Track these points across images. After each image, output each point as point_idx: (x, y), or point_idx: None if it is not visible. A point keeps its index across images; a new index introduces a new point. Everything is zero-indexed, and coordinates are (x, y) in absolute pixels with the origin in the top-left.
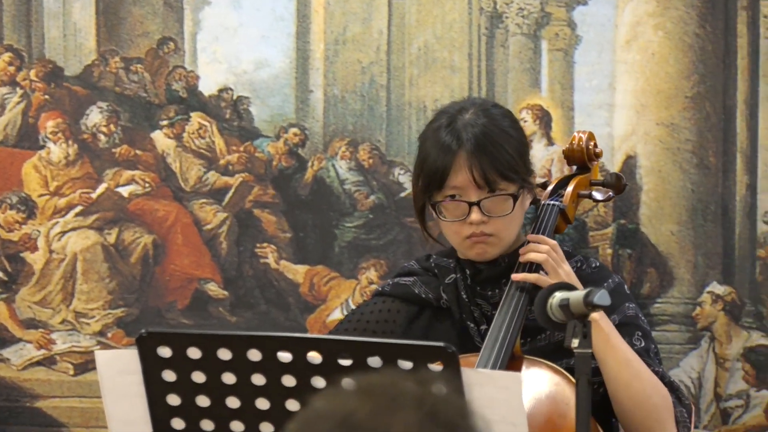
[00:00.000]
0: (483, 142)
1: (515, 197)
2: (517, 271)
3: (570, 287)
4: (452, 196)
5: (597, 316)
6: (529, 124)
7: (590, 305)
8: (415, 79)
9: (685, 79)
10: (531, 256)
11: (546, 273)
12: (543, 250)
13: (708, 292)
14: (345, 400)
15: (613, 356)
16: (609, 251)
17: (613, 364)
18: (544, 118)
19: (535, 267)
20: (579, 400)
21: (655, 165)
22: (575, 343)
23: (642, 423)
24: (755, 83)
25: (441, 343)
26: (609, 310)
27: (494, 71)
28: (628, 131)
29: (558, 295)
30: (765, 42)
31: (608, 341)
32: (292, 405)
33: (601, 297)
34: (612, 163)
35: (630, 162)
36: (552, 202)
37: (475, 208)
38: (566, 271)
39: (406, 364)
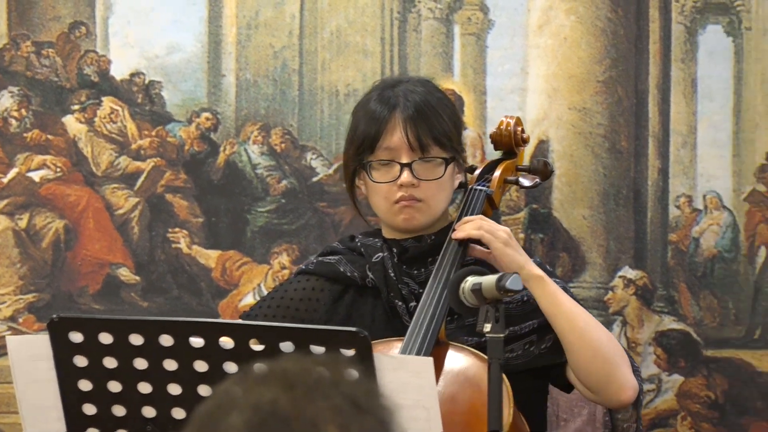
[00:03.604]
0: (421, 108)
1: (447, 161)
2: (444, 253)
3: (482, 272)
4: (385, 163)
5: (541, 273)
6: None
7: (502, 289)
8: (328, 63)
9: (597, 63)
10: (466, 229)
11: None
12: (474, 225)
13: (620, 277)
14: (262, 388)
15: (562, 310)
16: (521, 236)
17: (565, 317)
18: (456, 103)
19: (467, 243)
20: (491, 384)
21: (567, 149)
22: (487, 327)
23: (601, 370)
24: (667, 67)
25: (353, 329)
26: None
27: (407, 56)
28: (540, 116)
29: (470, 280)
30: (677, 26)
31: (556, 296)
32: (204, 390)
33: (514, 281)
34: None
35: (542, 146)
36: (479, 187)
37: (406, 170)
38: (507, 232)
39: (319, 350)
